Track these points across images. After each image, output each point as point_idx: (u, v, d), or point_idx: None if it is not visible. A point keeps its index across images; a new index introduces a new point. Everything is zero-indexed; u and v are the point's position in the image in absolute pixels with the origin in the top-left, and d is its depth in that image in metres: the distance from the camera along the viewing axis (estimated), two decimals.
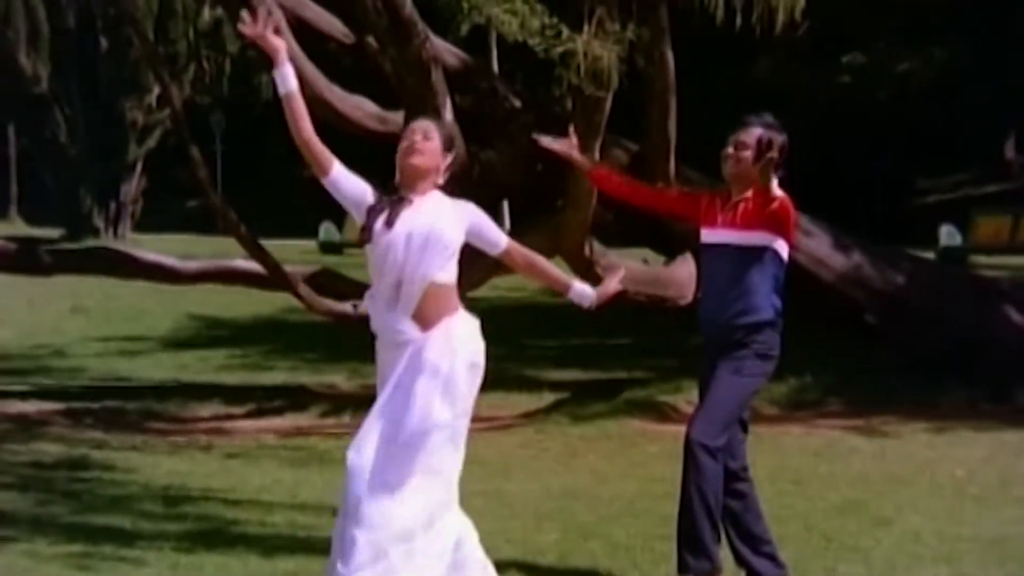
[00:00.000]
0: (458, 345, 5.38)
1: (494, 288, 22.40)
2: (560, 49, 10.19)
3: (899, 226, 27.70)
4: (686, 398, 11.67)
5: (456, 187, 12.78)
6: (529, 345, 16.95)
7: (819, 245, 13.12)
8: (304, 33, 13.18)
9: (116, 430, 11.04)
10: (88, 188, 33.14)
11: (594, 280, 12.13)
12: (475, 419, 11.95)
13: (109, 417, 11.68)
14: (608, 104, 10.70)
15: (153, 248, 18.72)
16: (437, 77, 11.76)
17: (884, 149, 36.43)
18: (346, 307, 11.83)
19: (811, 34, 33.91)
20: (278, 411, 12.27)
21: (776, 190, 6.25)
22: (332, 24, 13.04)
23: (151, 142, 33.53)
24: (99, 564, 6.73)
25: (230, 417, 11.97)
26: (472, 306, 17.83)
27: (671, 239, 12.92)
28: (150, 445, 10.41)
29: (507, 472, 9.78)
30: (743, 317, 6.38)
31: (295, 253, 26.03)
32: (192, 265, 12.25)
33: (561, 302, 16.91)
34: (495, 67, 27.82)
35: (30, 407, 12.03)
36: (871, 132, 36.18)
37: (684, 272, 12.58)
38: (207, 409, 12.24)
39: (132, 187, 33.74)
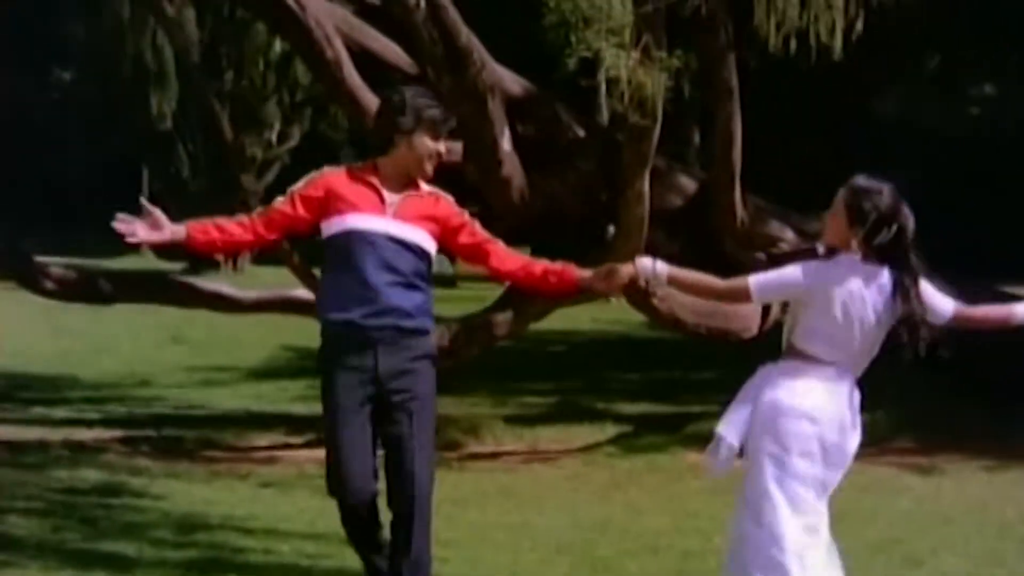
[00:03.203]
0: None
1: (595, 321, 22.37)
2: (604, 76, 10.04)
3: None
4: None
5: (518, 217, 12.70)
6: (609, 378, 16.75)
7: None
8: (370, 64, 13.21)
9: (165, 458, 11.08)
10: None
11: (650, 311, 12.00)
12: (523, 452, 11.98)
13: (165, 445, 11.73)
14: (656, 132, 10.48)
15: (271, 281, 18.89)
16: (494, 106, 11.66)
17: (1013, 183, 35.47)
18: None
19: (940, 66, 33.30)
20: None
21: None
22: (398, 55, 12.99)
23: (269, 176, 33.96)
24: None
25: (288, 447, 11.95)
26: (568, 339, 17.67)
27: (738, 272, 12.63)
28: (190, 473, 10.43)
29: (540, 505, 9.61)
30: None
31: None
32: (251, 294, 12.29)
33: (654, 335, 16.38)
34: (603, 102, 27.76)
35: (91, 434, 12.14)
36: (998, 166, 35.25)
37: (749, 305, 12.28)
38: (266, 438, 12.25)
39: None
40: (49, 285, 11.67)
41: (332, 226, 5.74)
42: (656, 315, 12.03)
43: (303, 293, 11.87)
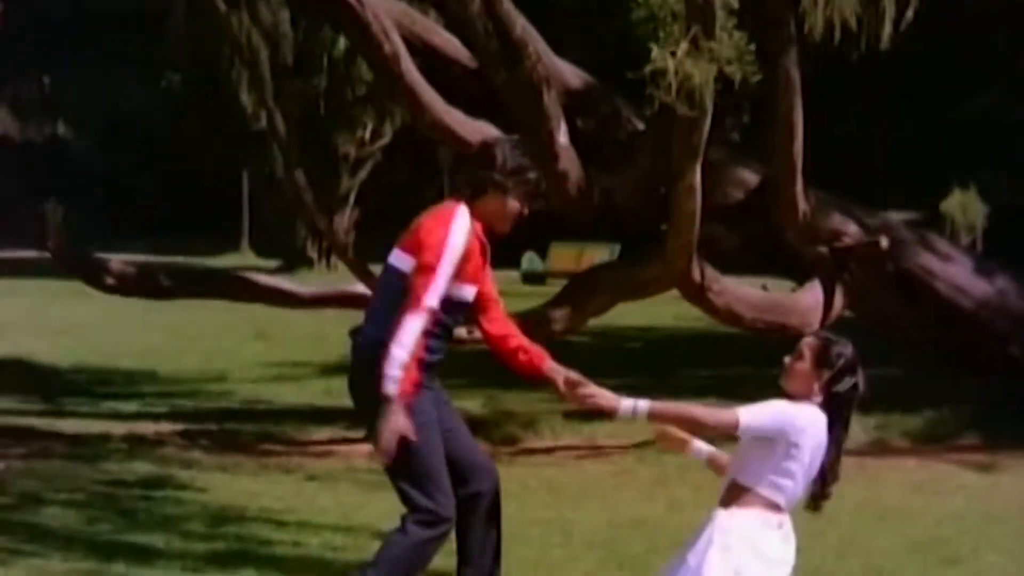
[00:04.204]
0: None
1: (677, 318, 22.21)
2: (649, 67, 9.90)
3: None
4: None
5: (576, 212, 12.59)
6: (680, 374, 16.61)
7: (959, 271, 12.49)
8: (432, 58, 13.21)
9: (220, 451, 11.16)
10: (303, 220, 33.96)
11: (707, 306, 11.86)
12: (579, 447, 11.89)
13: (224, 439, 11.82)
14: (707, 124, 10.33)
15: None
16: (550, 99, 11.58)
17: None
18: (460, 331, 11.73)
19: None
20: None
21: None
22: (459, 49, 12.97)
23: (363, 174, 34.21)
24: None
25: (345, 441, 11.96)
26: (647, 335, 17.55)
27: (799, 266, 12.48)
28: (239, 466, 10.48)
29: (581, 500, 9.56)
30: None
31: (501, 282, 26.06)
32: (309, 290, 12.36)
33: (735, 332, 16.13)
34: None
35: (154, 428, 12.27)
36: None
37: (809, 299, 12.10)
38: (325, 432, 12.29)
39: (344, 219, 34.43)
40: (109, 281, 11.82)
41: (451, 288, 5.74)
42: (712, 310, 11.90)
43: (360, 288, 11.90)
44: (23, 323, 21.53)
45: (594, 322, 19.40)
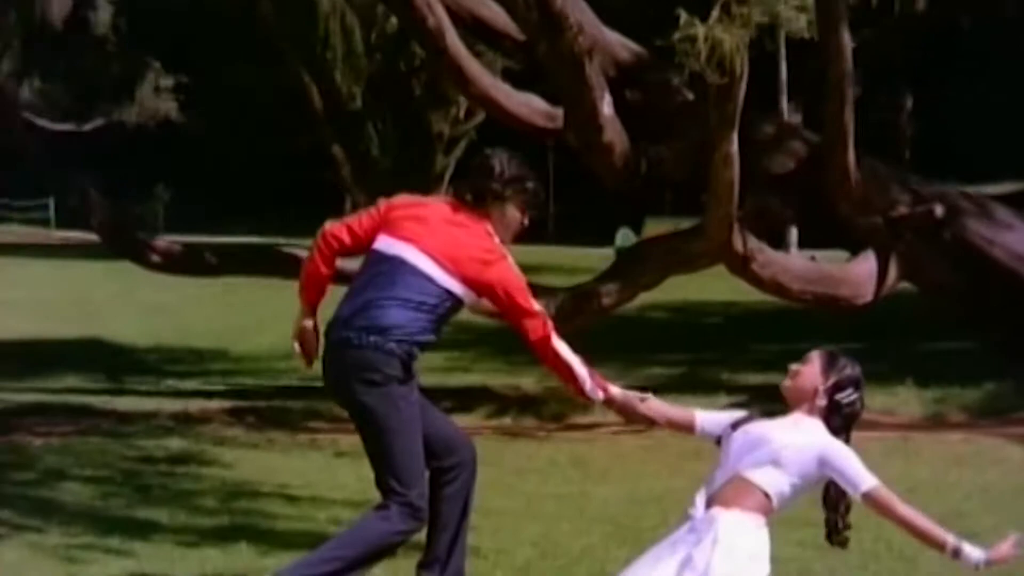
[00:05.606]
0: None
1: (755, 293, 21.92)
2: (679, 34, 9.72)
3: None
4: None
5: (622, 183, 12.41)
6: (750, 349, 16.36)
7: (1019, 239, 12.10)
8: (481, 31, 13.14)
9: (259, 428, 11.22)
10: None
11: (751, 277, 11.61)
12: (616, 423, 11.69)
13: (269, 416, 11.88)
14: (741, 92, 10.11)
15: None
16: (592, 71, 11.43)
17: None
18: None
19: None
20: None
21: None
22: (508, 22, 12.86)
23: (457, 152, 34.14)
24: (85, 555, 6.83)
25: None
26: (728, 311, 17.24)
27: (854, 237, 12.20)
28: (272, 442, 10.53)
29: (605, 475, 9.45)
30: None
31: (595, 260, 25.98)
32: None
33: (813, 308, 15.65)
34: (783, 68, 27.09)
35: (205, 405, 12.36)
36: None
37: (862, 270, 11.82)
38: None
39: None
40: (155, 259, 11.90)
41: (461, 290, 5.86)
42: (758, 282, 11.66)
43: None
44: (112, 304, 21.91)
45: (675, 296, 19.29)
